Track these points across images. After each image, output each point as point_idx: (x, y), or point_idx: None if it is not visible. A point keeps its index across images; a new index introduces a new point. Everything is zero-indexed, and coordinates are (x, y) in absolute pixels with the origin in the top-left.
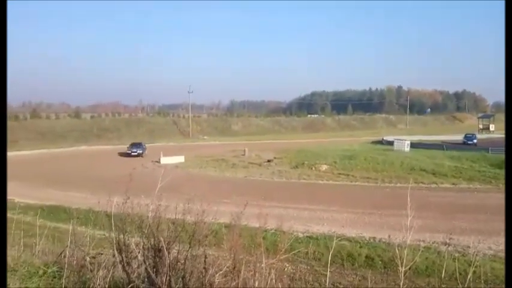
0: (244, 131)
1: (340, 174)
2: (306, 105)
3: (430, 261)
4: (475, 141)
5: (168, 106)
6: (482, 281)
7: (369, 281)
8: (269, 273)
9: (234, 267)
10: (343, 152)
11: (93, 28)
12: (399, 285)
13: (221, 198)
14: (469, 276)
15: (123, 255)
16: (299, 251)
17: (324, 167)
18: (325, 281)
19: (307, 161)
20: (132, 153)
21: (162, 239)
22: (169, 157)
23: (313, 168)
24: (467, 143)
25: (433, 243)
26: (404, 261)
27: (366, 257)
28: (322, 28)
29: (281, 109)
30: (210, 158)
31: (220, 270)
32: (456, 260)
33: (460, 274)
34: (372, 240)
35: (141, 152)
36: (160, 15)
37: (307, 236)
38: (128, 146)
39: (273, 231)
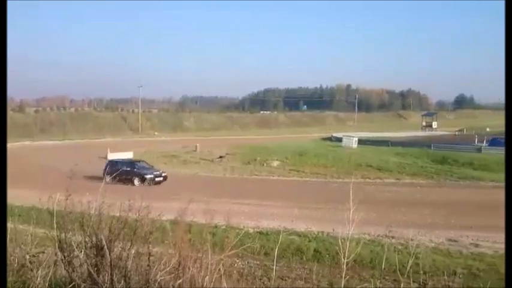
0: (196, 127)
1: (291, 170)
2: (258, 102)
3: (374, 253)
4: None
5: (117, 100)
6: (421, 272)
7: (314, 273)
8: (216, 269)
9: (179, 265)
10: (294, 148)
11: (37, 17)
12: (342, 277)
13: (169, 194)
14: (408, 267)
15: (65, 254)
16: (249, 246)
17: (276, 163)
18: (273, 275)
19: (259, 157)
20: None
21: (103, 237)
22: (117, 153)
23: (265, 164)
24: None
25: (377, 236)
26: (347, 253)
27: (314, 250)
28: (275, 27)
29: (234, 105)
30: (160, 154)
31: (166, 268)
32: (400, 253)
33: (403, 266)
34: (320, 234)
35: None
36: (111, 8)
37: (257, 232)
38: None
39: (223, 227)
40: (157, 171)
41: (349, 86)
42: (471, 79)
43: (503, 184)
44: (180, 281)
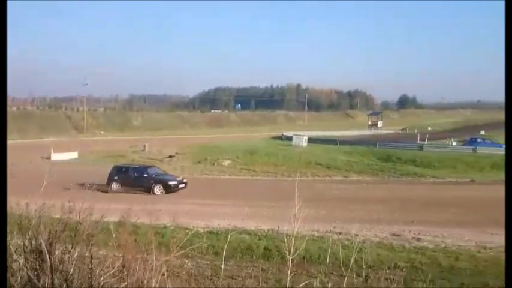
0: (144, 126)
1: (242, 169)
2: (209, 101)
3: (322, 249)
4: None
5: (60, 99)
6: (364, 266)
7: (264, 271)
8: (161, 271)
9: (124, 267)
10: (245, 147)
11: None
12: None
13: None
14: (351, 262)
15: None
16: (198, 246)
17: (227, 162)
18: (224, 275)
19: (210, 157)
20: None
21: (42, 240)
22: (61, 153)
23: (216, 164)
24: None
25: (326, 232)
26: (292, 250)
27: (264, 248)
28: (226, 27)
29: (184, 104)
30: (107, 154)
31: (110, 271)
32: (346, 248)
33: (349, 260)
34: (270, 232)
35: None
36: (50, 5)
37: (207, 231)
38: None
39: (172, 227)
40: (178, 177)
41: (299, 85)
42: (414, 80)
43: (443, 180)
44: (125, 283)
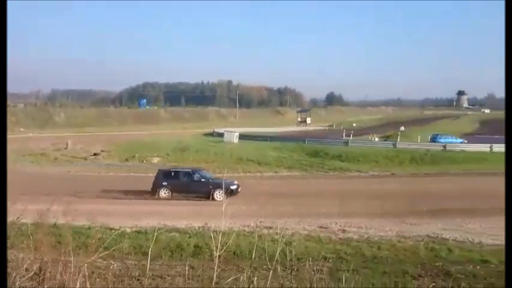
0: (68, 122)
1: (172, 166)
2: (137, 96)
3: (252, 244)
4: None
5: None
6: (293, 259)
7: (194, 269)
8: (82, 272)
9: (40, 270)
10: (176, 144)
11: None
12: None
13: (38, 196)
14: (276, 255)
15: None
16: (126, 246)
17: (156, 160)
18: (153, 274)
19: (138, 154)
20: None
21: None
22: None
23: (145, 161)
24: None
25: (256, 227)
26: (219, 246)
27: (195, 246)
28: (156, 21)
29: (110, 99)
30: (27, 152)
31: (28, 274)
32: (276, 242)
33: (279, 254)
34: (201, 229)
35: None
36: None
37: (135, 231)
38: None
39: (97, 227)
40: (234, 180)
41: (230, 82)
42: (340, 79)
43: (366, 174)
44: (46, 286)
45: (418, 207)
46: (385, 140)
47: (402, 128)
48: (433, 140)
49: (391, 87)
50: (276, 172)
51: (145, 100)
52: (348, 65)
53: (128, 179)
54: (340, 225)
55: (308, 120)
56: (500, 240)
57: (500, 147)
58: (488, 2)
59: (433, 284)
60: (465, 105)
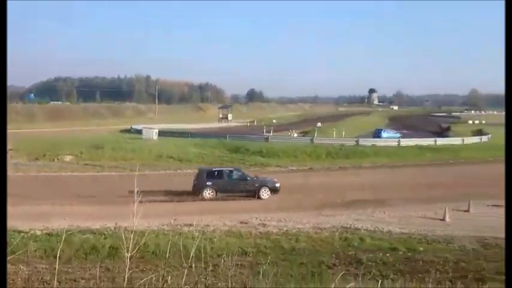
0: None
1: (86, 164)
2: (48, 92)
3: (172, 243)
4: (383, 134)
5: None
6: (214, 255)
7: (109, 271)
8: None
9: None
10: (90, 142)
11: None
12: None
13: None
14: (192, 253)
15: None
16: (35, 250)
17: (68, 158)
18: (66, 278)
19: (49, 152)
20: None
21: None
22: None
23: (56, 160)
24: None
25: (177, 225)
26: (131, 246)
27: (110, 247)
28: (66, 13)
29: (19, 95)
30: None
31: None
32: (196, 239)
33: (200, 251)
34: (117, 230)
35: None
36: None
37: (46, 233)
38: None
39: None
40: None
41: (148, 77)
42: (260, 76)
43: (286, 168)
44: None
45: (333, 200)
46: (303, 136)
47: (319, 124)
48: (377, 134)
49: (309, 84)
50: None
51: (32, 94)
52: (268, 62)
53: (38, 180)
54: (261, 220)
55: (229, 116)
56: (408, 228)
57: (407, 142)
58: (402, 2)
59: (346, 271)
60: (376, 102)
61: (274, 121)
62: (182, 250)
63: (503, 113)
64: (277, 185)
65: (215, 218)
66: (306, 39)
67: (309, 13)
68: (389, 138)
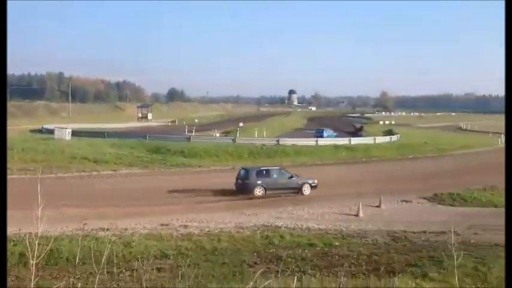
0: None
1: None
2: None
3: (87, 248)
4: (324, 134)
5: None
6: (131, 259)
7: (20, 279)
8: None
9: None
10: None
11: None
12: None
13: None
14: (104, 256)
15: None
16: None
17: None
18: None
19: None
20: None
21: None
22: None
23: None
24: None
25: (92, 230)
26: (36, 253)
27: (20, 254)
28: None
29: None
30: None
31: None
32: (114, 243)
33: (116, 256)
34: (28, 236)
35: None
36: None
37: None
38: None
39: None
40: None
41: (61, 74)
42: (181, 74)
43: (208, 169)
44: None
45: (254, 199)
46: (225, 136)
47: (241, 124)
48: (319, 134)
49: (231, 84)
50: (114, 170)
51: None
52: (190, 61)
53: None
54: (182, 221)
55: (149, 115)
56: (325, 225)
57: (324, 141)
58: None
59: (267, 269)
60: (295, 103)
61: (196, 121)
62: (99, 255)
63: (411, 114)
64: (316, 182)
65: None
66: (228, 39)
67: (231, 12)
68: (329, 137)
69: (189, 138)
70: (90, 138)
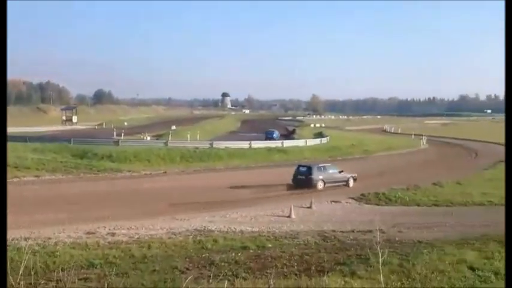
0: None
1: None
2: None
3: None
4: (274, 135)
5: None
6: (55, 270)
7: None
8: None
9: None
10: None
11: None
12: None
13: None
14: (22, 267)
15: None
16: None
17: None
18: None
19: None
20: None
21: None
22: None
23: None
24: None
25: (13, 240)
26: None
27: None
28: None
29: None
30: None
31: None
32: (36, 253)
33: (40, 267)
34: None
35: None
36: None
37: None
38: None
39: None
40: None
41: None
42: (109, 75)
43: (139, 173)
44: None
45: (186, 203)
46: (157, 139)
47: (174, 127)
48: (270, 135)
49: (163, 86)
50: (37, 176)
51: None
52: (118, 61)
53: None
54: (110, 229)
55: (74, 118)
56: (258, 227)
57: (258, 144)
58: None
59: (199, 274)
60: (229, 106)
61: (125, 124)
62: (22, 267)
63: (340, 117)
64: (356, 175)
65: None
66: (158, 40)
67: (163, 13)
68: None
69: (117, 142)
70: (11, 142)
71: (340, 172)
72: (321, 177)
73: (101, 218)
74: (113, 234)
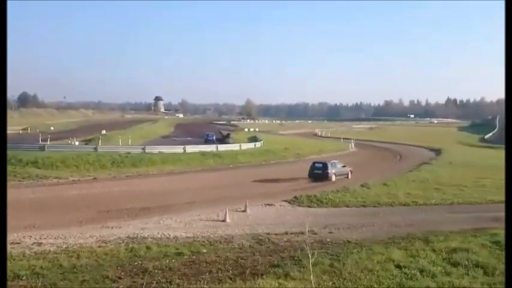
0: None
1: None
2: None
3: None
4: (213, 138)
5: None
6: None
7: None
8: None
9: None
10: None
11: None
12: None
13: None
14: None
15: None
16: None
17: None
18: None
19: None
20: None
21: None
22: None
23: None
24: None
25: None
26: None
27: None
28: None
29: None
30: None
31: None
32: None
33: None
34: None
35: None
36: None
37: None
38: None
39: None
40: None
41: None
42: (34, 77)
43: (66, 180)
44: None
45: (118, 210)
46: (86, 144)
47: (104, 132)
48: (210, 138)
49: (91, 89)
50: None
51: None
52: (43, 62)
53: None
54: (36, 238)
55: None
56: (193, 232)
57: (192, 148)
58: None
59: (132, 283)
60: (162, 110)
61: (52, 128)
62: None
63: (273, 121)
64: (352, 169)
65: None
66: (84, 41)
67: (86, 9)
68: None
69: (43, 148)
70: None
71: (343, 167)
72: (333, 171)
73: (26, 227)
74: (40, 244)
